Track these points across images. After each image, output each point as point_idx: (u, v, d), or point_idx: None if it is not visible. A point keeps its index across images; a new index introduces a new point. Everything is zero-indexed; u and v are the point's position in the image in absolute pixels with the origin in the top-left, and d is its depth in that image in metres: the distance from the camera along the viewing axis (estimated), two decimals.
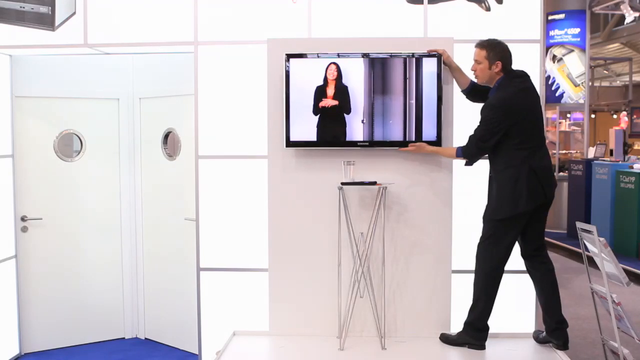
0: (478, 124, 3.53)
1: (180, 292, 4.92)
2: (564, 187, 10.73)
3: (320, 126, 3.77)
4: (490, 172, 3.65)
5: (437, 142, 3.75)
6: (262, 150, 4.03)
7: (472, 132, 3.55)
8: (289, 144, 3.80)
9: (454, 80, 3.79)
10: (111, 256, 5.26)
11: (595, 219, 9.21)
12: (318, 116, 3.77)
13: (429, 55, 3.74)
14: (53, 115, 5.01)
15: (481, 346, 3.63)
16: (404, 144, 3.76)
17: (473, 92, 3.75)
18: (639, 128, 17.47)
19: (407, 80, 3.74)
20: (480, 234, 3.70)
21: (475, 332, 3.63)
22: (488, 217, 3.60)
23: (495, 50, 3.51)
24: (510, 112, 3.44)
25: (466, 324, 3.67)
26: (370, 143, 3.79)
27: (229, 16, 4.18)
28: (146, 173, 5.23)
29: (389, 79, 3.76)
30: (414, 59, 3.74)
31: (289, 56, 3.75)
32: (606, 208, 9.03)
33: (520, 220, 3.53)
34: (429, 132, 3.75)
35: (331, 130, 3.79)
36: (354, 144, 3.79)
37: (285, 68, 3.75)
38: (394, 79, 3.75)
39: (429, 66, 3.73)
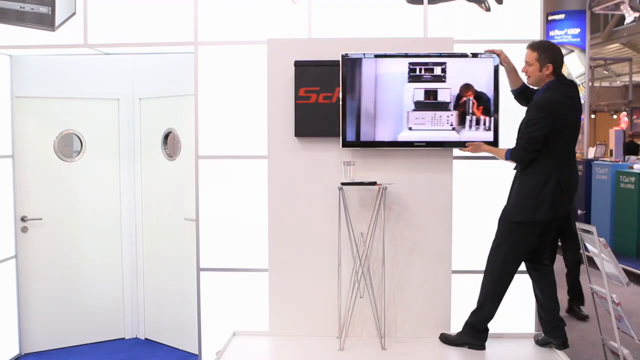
0: (524, 126, 3.46)
1: (180, 292, 4.92)
2: None
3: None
4: (516, 174, 3.59)
5: (495, 142, 3.73)
6: (262, 150, 4.03)
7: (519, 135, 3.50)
8: (346, 144, 3.79)
9: (508, 79, 3.75)
10: (111, 256, 5.26)
11: (595, 219, 9.21)
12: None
13: (487, 55, 3.73)
14: (53, 115, 5.01)
15: (481, 346, 3.63)
16: (460, 144, 3.75)
17: (522, 94, 3.70)
18: (639, 128, 17.48)
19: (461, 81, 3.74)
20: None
21: (475, 333, 3.63)
22: (505, 219, 3.55)
23: (546, 53, 3.46)
24: (556, 114, 3.38)
25: (467, 324, 3.66)
26: (428, 144, 3.78)
27: (229, 16, 4.18)
28: (146, 173, 5.23)
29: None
30: (470, 59, 3.74)
31: (344, 57, 3.74)
32: (606, 208, 9.02)
33: (537, 228, 3.51)
34: (485, 132, 3.75)
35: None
36: (410, 144, 3.78)
37: (342, 69, 3.74)
38: (448, 80, 3.74)
39: (487, 66, 3.73)
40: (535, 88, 3.61)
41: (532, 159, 3.43)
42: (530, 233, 3.52)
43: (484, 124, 3.75)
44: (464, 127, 3.76)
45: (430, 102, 3.75)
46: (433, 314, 3.90)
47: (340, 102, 3.76)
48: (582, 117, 11.81)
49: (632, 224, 8.46)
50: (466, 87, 3.74)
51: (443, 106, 3.76)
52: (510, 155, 3.52)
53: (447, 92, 3.75)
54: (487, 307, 3.59)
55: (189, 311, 4.68)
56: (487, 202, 4.04)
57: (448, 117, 3.75)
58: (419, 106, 3.76)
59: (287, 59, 3.83)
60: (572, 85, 3.57)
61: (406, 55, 3.76)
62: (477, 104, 3.74)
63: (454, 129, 3.76)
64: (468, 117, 3.75)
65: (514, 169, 3.60)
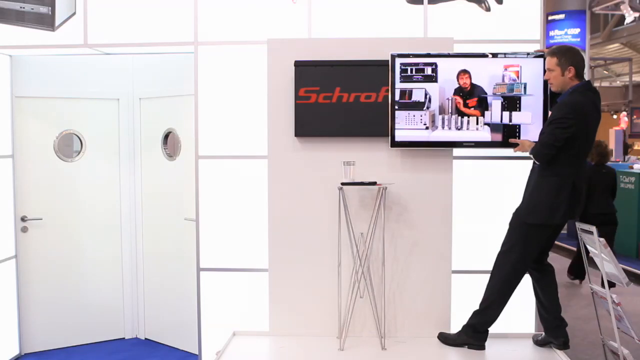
0: (547, 124, 3.46)
1: (180, 292, 4.92)
2: None
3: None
4: (531, 175, 3.57)
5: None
6: (262, 150, 4.03)
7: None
8: (394, 144, 3.79)
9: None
10: (111, 256, 5.26)
11: None
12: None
13: (537, 55, 3.71)
14: (53, 115, 5.01)
15: (481, 346, 3.63)
16: (505, 143, 3.74)
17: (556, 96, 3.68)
18: (639, 128, 17.48)
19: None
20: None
21: (475, 334, 3.63)
22: (519, 222, 3.52)
23: (566, 56, 3.45)
24: (581, 116, 3.36)
25: (469, 325, 3.65)
26: (476, 144, 3.77)
27: (229, 16, 4.18)
28: (146, 173, 5.23)
29: (489, 79, 3.75)
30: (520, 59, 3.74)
31: (394, 57, 3.74)
32: None
33: (549, 231, 3.51)
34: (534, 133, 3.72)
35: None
36: (460, 144, 3.78)
37: (393, 68, 3.74)
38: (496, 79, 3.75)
39: (535, 67, 3.71)
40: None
41: (550, 156, 3.39)
42: (543, 236, 3.51)
43: (458, 123, 3.75)
44: (436, 127, 3.77)
45: (404, 102, 3.77)
46: (433, 314, 3.89)
47: (390, 102, 3.76)
48: None
49: (632, 224, 8.46)
50: (463, 72, 3.74)
51: (417, 106, 3.76)
52: (532, 150, 3.50)
53: (421, 92, 3.76)
54: (492, 310, 3.58)
55: (189, 311, 4.68)
56: (487, 202, 4.05)
57: (421, 116, 3.76)
58: (397, 106, 3.77)
59: (287, 59, 3.83)
60: (596, 93, 3.53)
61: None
62: (464, 100, 3.74)
63: (427, 128, 3.77)
64: (440, 117, 3.76)
65: (533, 164, 3.56)
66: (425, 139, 3.78)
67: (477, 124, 3.75)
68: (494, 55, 3.75)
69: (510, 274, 3.54)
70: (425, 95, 3.76)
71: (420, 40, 4.01)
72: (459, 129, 3.76)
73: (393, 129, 3.77)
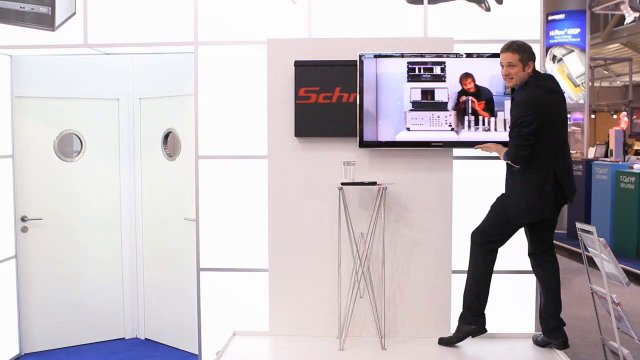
0: (510, 127, 3.48)
1: (180, 292, 4.92)
2: None
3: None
4: (509, 174, 3.58)
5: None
6: (262, 150, 4.03)
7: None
8: (363, 144, 3.78)
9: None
10: (111, 256, 5.26)
11: (595, 219, 9.21)
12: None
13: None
14: (53, 115, 5.01)
15: (482, 329, 3.63)
16: (471, 144, 3.75)
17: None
18: (639, 128, 17.47)
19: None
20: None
21: (474, 317, 3.63)
22: (508, 220, 3.56)
23: (527, 52, 3.49)
24: (538, 109, 3.40)
25: (464, 313, 3.66)
26: (445, 144, 3.77)
27: (229, 16, 4.18)
28: (146, 173, 5.23)
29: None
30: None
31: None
32: (606, 208, 9.02)
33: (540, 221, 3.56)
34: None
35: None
36: (427, 144, 3.77)
37: (362, 69, 3.73)
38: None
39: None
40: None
41: (527, 156, 3.42)
42: (531, 224, 3.58)
43: (486, 124, 3.75)
44: (463, 128, 3.76)
45: (427, 102, 3.76)
46: (433, 314, 3.90)
47: (358, 102, 3.76)
48: (582, 117, 11.84)
49: (632, 224, 8.45)
50: (465, 75, 3.73)
51: (441, 106, 3.75)
52: (507, 156, 3.52)
53: (444, 92, 3.74)
54: (477, 285, 3.65)
55: (189, 311, 4.68)
56: (488, 202, 4.04)
57: (446, 117, 3.75)
58: (417, 106, 3.76)
59: (287, 59, 3.84)
60: (550, 79, 3.59)
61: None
62: (477, 101, 3.73)
63: (452, 129, 3.76)
64: (467, 118, 3.75)
65: (513, 168, 3.56)
66: (454, 139, 3.76)
67: (505, 124, 3.73)
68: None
69: (490, 254, 3.61)
70: (448, 95, 3.74)
71: (420, 40, 4.01)
72: (486, 130, 3.75)
73: (362, 129, 3.75)
